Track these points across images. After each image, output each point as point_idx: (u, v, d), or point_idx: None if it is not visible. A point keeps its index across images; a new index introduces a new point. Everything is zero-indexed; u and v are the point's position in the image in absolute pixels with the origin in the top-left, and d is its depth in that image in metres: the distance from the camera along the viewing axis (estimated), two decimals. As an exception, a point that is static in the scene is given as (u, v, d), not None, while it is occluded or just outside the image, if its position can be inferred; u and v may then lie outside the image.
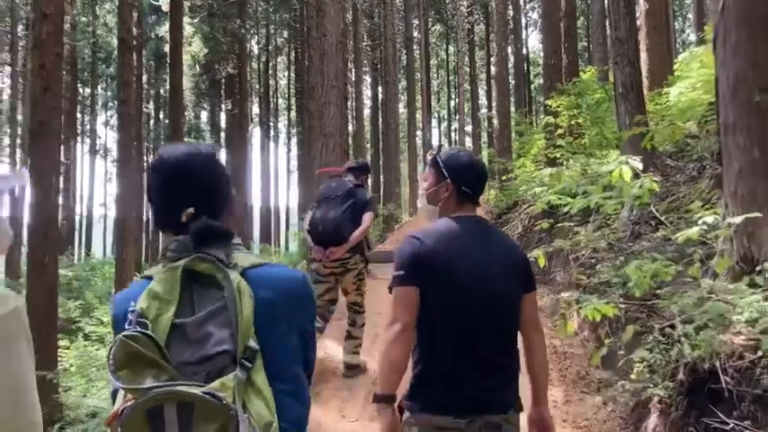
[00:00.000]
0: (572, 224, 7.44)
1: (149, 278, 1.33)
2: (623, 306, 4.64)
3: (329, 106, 9.87)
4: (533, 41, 52.33)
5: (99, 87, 37.61)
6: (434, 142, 47.16)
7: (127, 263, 12.51)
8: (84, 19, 31.69)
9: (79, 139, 39.36)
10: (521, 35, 35.68)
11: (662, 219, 6.25)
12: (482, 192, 2.31)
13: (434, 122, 49.88)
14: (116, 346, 1.16)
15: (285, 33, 35.23)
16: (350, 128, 26.86)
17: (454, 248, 2.12)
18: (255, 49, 35.84)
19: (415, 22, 37.30)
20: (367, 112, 39.48)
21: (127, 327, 1.20)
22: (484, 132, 42.83)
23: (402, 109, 36.53)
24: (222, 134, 26.11)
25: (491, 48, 43.46)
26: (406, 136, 30.72)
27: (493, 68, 43.80)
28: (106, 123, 40.54)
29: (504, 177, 14.42)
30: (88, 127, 39.37)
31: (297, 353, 1.39)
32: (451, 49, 45.45)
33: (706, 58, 11.82)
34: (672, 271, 3.64)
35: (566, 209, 6.18)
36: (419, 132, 38.71)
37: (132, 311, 1.23)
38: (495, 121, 21.23)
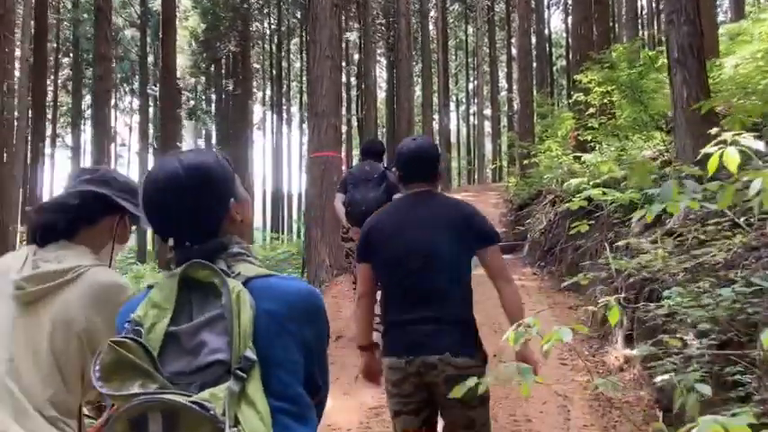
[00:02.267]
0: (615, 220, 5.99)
1: (151, 286, 1.25)
2: (698, 348, 3.20)
3: (321, 80, 8.45)
4: (555, 21, 50.17)
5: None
6: (452, 127, 45.58)
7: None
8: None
9: (89, 123, 38.35)
10: (543, 14, 33.95)
11: (737, 220, 4.76)
12: (421, 170, 2.65)
13: (452, 106, 48.06)
14: (104, 352, 1.10)
15: (298, 14, 33.72)
16: (361, 111, 25.37)
17: (389, 223, 2.66)
18: (268, 31, 34.39)
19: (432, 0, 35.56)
20: (383, 95, 38.00)
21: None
22: (504, 116, 41.26)
23: (418, 92, 34.92)
24: (224, 116, 24.65)
25: (512, 28, 41.70)
26: (422, 120, 29.14)
27: (514, 49, 42.06)
28: (115, 106, 39.42)
29: (525, 162, 12.89)
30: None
31: (300, 371, 1.26)
32: (470, 29, 43.62)
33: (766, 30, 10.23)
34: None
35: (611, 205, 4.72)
36: (436, 116, 37.15)
37: (130, 321, 1.17)
38: (516, 102, 19.66)
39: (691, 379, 2.12)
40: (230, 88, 21.19)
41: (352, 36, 27.94)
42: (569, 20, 44.02)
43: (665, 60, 8.14)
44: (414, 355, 2.42)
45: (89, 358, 1.60)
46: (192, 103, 23.79)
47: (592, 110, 10.23)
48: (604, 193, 4.55)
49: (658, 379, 2.71)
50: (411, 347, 2.43)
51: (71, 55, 31.51)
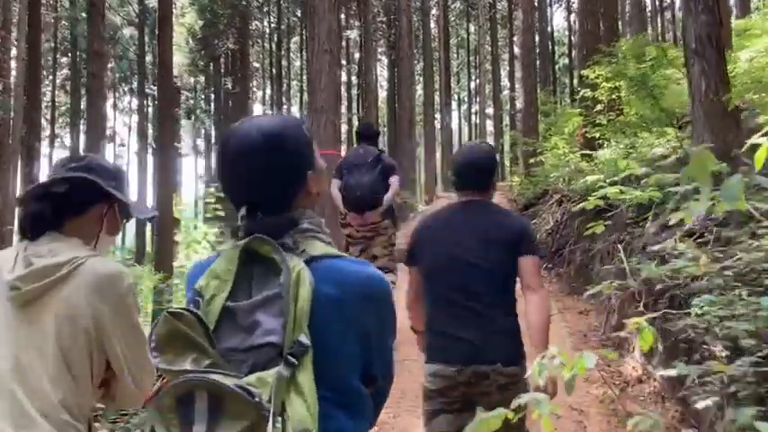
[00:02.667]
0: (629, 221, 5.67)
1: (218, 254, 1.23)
2: (739, 366, 2.88)
3: (320, 75, 8.13)
4: (558, 19, 49.86)
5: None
6: (454, 126, 45.27)
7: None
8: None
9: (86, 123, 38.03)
10: (545, 11, 33.63)
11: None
12: (474, 179, 2.67)
13: (454, 105, 47.69)
14: (159, 322, 1.08)
15: (298, 12, 33.39)
16: (361, 110, 24.96)
17: (438, 230, 2.68)
18: (268, 29, 34.06)
19: (434, -3, 35.24)
20: (384, 95, 37.72)
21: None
22: (506, 115, 41.00)
23: (420, 91, 34.54)
24: (223, 115, 24.16)
25: (514, 26, 41.33)
26: (423, 119, 28.76)
27: (516, 48, 41.64)
28: (114, 106, 39.29)
29: (530, 161, 12.55)
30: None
31: (356, 362, 1.21)
32: (472, 27, 43.34)
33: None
34: None
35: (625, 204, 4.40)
36: (438, 115, 36.82)
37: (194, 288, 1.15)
38: (519, 101, 19.35)
39: (748, 415, 1.79)
40: (229, 87, 20.83)
41: (353, 34, 27.64)
42: (572, 18, 43.83)
43: (678, 54, 7.83)
44: (464, 365, 2.42)
45: (96, 353, 1.57)
46: (192, 102, 23.38)
47: (599, 106, 9.93)
48: (622, 192, 4.25)
49: (701, 405, 2.39)
50: (463, 357, 2.43)
51: (69, 54, 31.20)
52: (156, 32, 15.96)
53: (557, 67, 39.27)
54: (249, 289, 1.14)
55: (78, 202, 1.67)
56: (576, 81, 42.30)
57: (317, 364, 1.09)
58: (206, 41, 19.59)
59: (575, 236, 7.94)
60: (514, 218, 2.76)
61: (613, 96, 9.87)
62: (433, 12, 35.61)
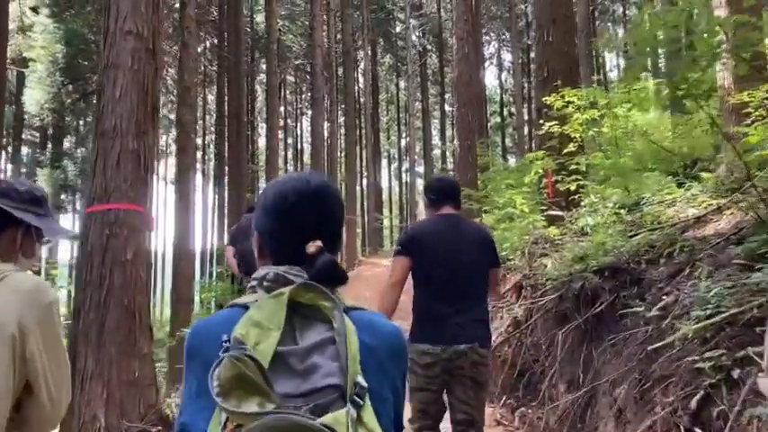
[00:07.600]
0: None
1: (241, 306, 1.18)
2: None
3: (114, 74, 4.65)
4: (489, 77, 48.65)
5: None
6: (384, 184, 42.64)
7: None
8: None
9: None
10: (477, 67, 31.59)
11: None
12: (448, 195, 3.39)
13: (384, 162, 44.99)
14: (223, 366, 1.02)
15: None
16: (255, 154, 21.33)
17: (431, 233, 3.27)
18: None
19: (361, 48, 32.83)
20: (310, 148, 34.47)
21: (221, 354, 1.03)
22: (438, 173, 38.66)
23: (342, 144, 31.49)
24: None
25: (444, 82, 39.47)
26: (346, 173, 25.50)
27: (447, 106, 39.70)
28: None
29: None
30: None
31: (391, 409, 1.23)
32: (402, 83, 41.30)
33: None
34: None
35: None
36: (365, 172, 33.79)
37: (226, 341, 1.06)
38: (449, 154, 16.45)
39: None
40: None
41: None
42: (503, 76, 42.58)
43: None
44: (448, 344, 3.05)
45: (18, 365, 1.56)
46: (51, 146, 19.14)
47: (572, 146, 6.83)
48: None
49: None
50: (448, 337, 3.05)
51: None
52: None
53: (488, 125, 37.37)
54: (293, 335, 1.10)
55: None
56: (507, 140, 40.55)
57: None
58: (74, 73, 15.86)
59: (560, 349, 4.60)
60: (485, 230, 3.59)
61: (590, 132, 6.82)
62: (361, 66, 33.20)
